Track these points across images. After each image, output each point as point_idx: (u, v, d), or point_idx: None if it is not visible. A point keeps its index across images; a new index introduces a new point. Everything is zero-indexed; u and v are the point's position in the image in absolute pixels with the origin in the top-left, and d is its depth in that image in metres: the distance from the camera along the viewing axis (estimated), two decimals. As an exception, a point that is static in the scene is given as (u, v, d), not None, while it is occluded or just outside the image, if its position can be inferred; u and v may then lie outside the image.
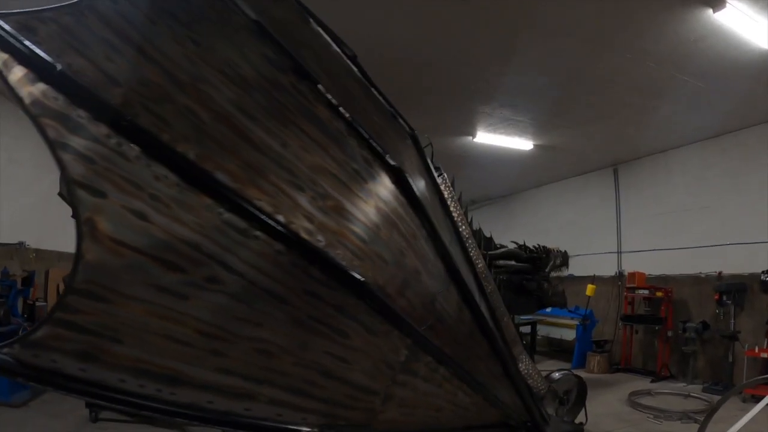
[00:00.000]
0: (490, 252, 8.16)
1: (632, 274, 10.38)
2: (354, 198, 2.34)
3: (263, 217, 1.99)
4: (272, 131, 2.13)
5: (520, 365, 4.05)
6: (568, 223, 12.95)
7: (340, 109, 2.35)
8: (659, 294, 9.67)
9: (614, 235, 11.37)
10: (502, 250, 8.56)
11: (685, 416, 6.94)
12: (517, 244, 8.79)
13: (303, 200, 2.15)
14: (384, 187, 2.54)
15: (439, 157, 10.98)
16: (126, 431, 5.45)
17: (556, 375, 6.76)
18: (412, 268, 2.53)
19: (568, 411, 6.75)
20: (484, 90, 8.05)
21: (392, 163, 2.56)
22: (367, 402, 2.46)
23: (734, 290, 8.51)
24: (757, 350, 7.82)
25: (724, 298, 8.53)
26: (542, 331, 11.95)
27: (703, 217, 9.48)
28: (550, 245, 12.89)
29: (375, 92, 3.12)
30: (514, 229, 14.62)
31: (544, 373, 5.45)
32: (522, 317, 11.53)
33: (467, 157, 11.00)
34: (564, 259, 9.14)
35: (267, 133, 2.11)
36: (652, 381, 9.27)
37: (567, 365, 10.87)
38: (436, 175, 3.82)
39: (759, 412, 4.24)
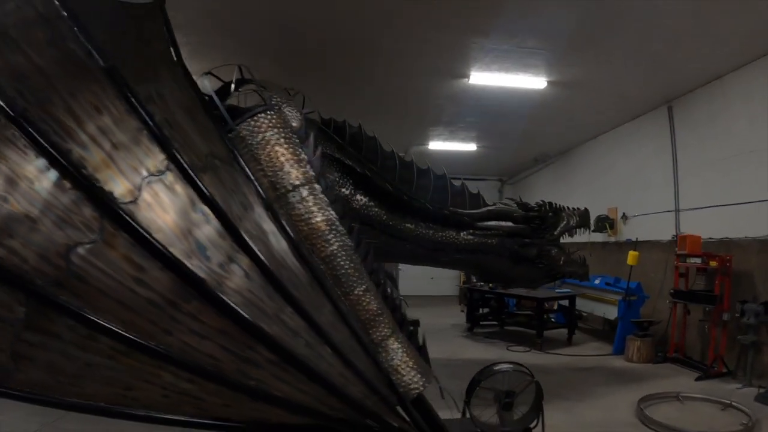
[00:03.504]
0: (467, 211, 6.30)
1: (683, 238, 7.64)
2: None
3: None
4: None
5: (389, 355, 3.08)
6: (623, 178, 10.17)
7: None
8: (713, 263, 6.94)
9: (671, 190, 8.55)
10: (486, 208, 6.65)
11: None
12: (513, 200, 6.80)
13: None
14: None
15: (433, 104, 9.02)
16: None
17: (503, 367, 4.95)
18: (18, 213, 2.01)
19: (521, 419, 4.91)
20: (464, 15, 6.14)
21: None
22: None
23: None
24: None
25: (790, 270, 5.74)
26: (586, 307, 9.53)
27: (775, 159, 6.55)
28: (606, 205, 10.38)
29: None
30: (574, 192, 12.20)
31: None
32: (558, 290, 9.33)
33: (464, 102, 8.96)
34: (583, 219, 6.87)
35: None
36: (698, 379, 6.70)
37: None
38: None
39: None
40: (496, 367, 4.97)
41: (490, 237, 6.57)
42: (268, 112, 3.05)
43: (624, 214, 9.97)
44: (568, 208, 6.92)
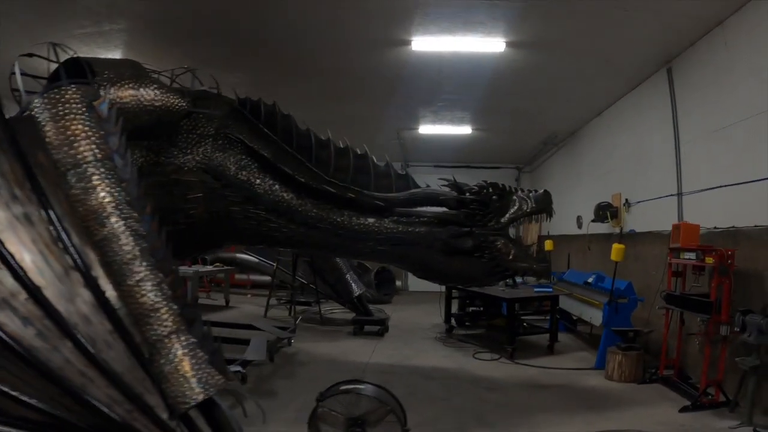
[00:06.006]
0: (381, 195, 5.19)
1: (676, 227, 5.75)
2: None
3: None
4: None
5: (163, 358, 2.61)
6: (626, 159, 8.20)
7: None
8: (709, 260, 5.04)
9: (673, 170, 6.58)
10: (410, 191, 5.37)
11: None
12: (447, 181, 5.36)
13: None
14: None
15: (384, 79, 7.68)
16: None
17: (351, 386, 3.65)
18: None
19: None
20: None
21: None
22: None
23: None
24: None
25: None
26: (575, 309, 7.68)
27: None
28: (611, 191, 8.64)
29: None
30: (582, 178, 10.39)
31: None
32: (537, 289, 7.61)
33: (417, 74, 7.40)
34: (541, 204, 5.26)
35: None
36: (684, 409, 4.84)
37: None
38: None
39: None
40: (343, 387, 3.55)
41: (416, 225, 5.18)
42: (62, 89, 2.84)
43: (627, 200, 8.01)
44: (522, 190, 5.35)
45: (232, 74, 7.61)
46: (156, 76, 5.34)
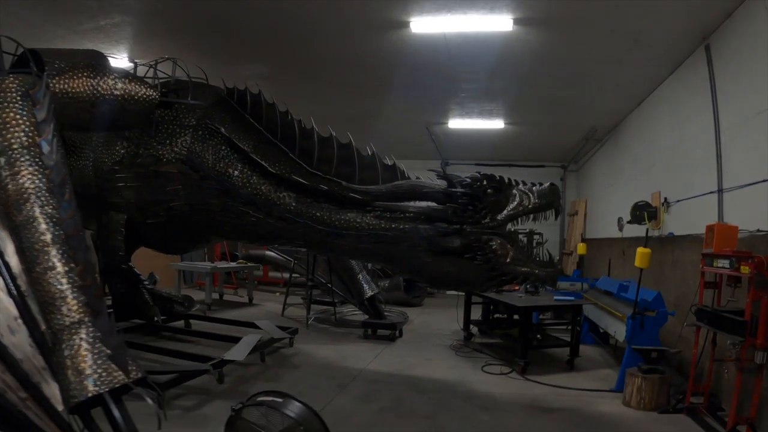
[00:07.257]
0: (361, 187, 4.72)
1: (710, 229, 4.77)
2: None
3: None
4: None
5: (64, 349, 2.53)
6: (666, 152, 7.12)
7: None
8: (744, 270, 4.08)
9: (713, 163, 5.54)
10: (393, 183, 4.86)
11: None
12: (436, 172, 4.80)
13: None
14: None
15: (388, 66, 7.08)
16: None
17: (269, 399, 3.24)
18: None
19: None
20: None
21: None
22: None
23: None
24: None
25: None
26: (602, 321, 6.70)
27: None
28: (650, 190, 7.71)
29: None
30: (623, 175, 9.37)
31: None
32: (557, 297, 6.78)
33: (425, 60, 6.73)
34: (546, 200, 4.56)
35: None
36: (705, 449, 3.95)
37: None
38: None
39: None
40: (260, 398, 3.07)
41: (400, 221, 4.63)
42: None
43: (666, 199, 6.96)
44: (523, 183, 4.62)
45: (243, 67, 7.34)
46: (134, 66, 5.12)
